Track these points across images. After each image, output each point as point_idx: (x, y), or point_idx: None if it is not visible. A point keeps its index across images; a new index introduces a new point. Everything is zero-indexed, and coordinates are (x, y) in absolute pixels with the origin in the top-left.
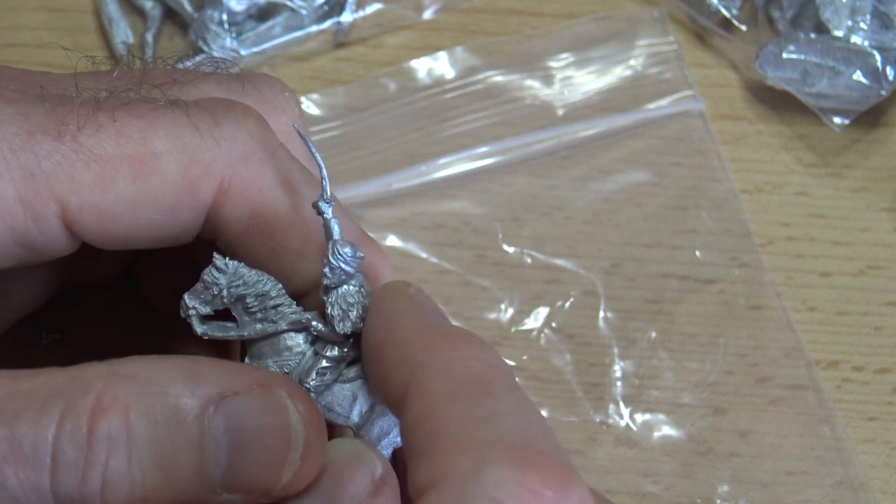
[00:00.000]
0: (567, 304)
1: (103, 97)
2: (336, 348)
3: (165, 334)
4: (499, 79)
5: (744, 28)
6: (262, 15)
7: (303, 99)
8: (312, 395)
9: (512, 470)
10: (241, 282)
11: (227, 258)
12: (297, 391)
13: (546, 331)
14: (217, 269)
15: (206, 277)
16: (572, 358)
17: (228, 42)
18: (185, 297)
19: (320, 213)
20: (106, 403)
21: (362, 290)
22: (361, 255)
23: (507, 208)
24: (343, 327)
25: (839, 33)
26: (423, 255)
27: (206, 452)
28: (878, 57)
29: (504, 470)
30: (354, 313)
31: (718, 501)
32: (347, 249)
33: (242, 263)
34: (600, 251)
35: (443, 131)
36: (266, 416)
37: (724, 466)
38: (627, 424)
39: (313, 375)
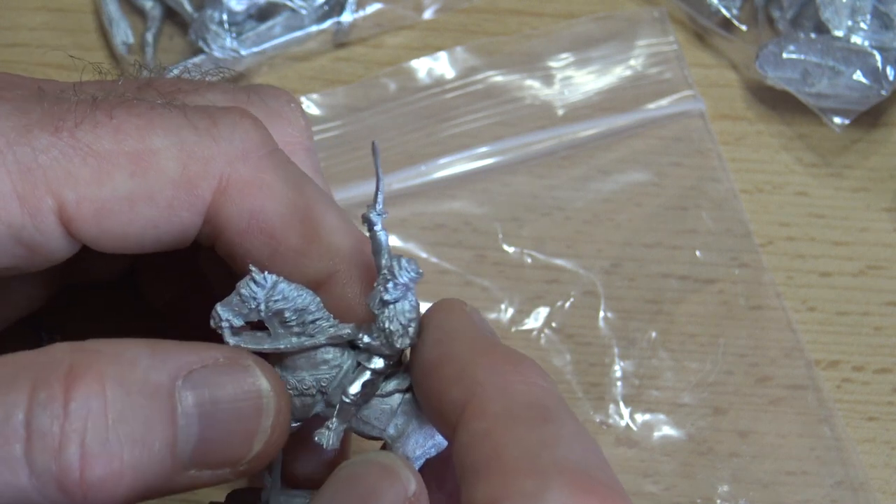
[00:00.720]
0: (567, 304)
1: (101, 97)
2: (382, 360)
3: (166, 334)
4: (499, 79)
5: (744, 28)
6: (262, 15)
7: (303, 99)
8: (353, 408)
9: (574, 497)
10: (280, 296)
11: (266, 272)
12: (264, 363)
13: (546, 331)
14: (255, 282)
15: (242, 291)
16: (572, 358)
17: (228, 42)
18: (218, 308)
19: (371, 225)
20: (80, 373)
21: (416, 304)
22: (422, 271)
23: (507, 208)
24: (402, 343)
25: (839, 33)
26: (423, 255)
27: (178, 425)
28: (878, 57)
29: (566, 496)
30: (413, 328)
31: (718, 501)
32: (413, 266)
33: (282, 278)
34: (600, 251)
35: (443, 131)
36: (236, 386)
37: (724, 466)
38: (627, 424)
39: (357, 387)
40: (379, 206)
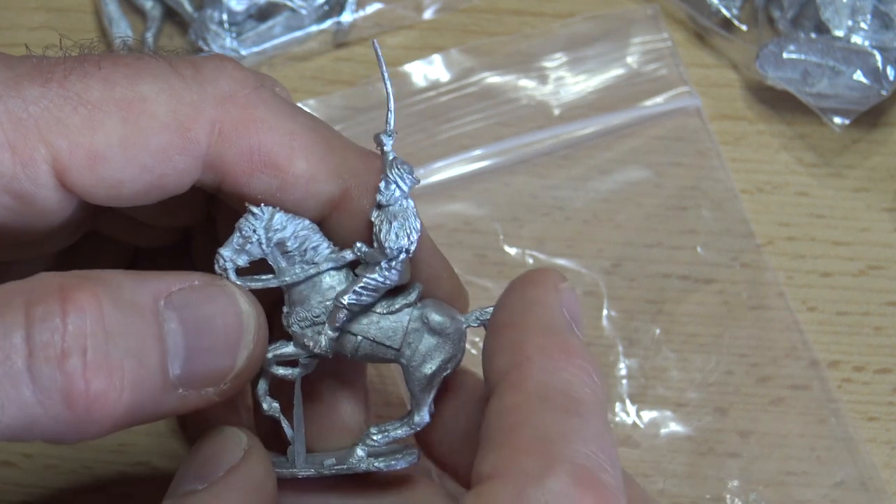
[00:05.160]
0: None
1: (86, 52)
2: (377, 270)
3: None
4: (494, 80)
5: (744, 28)
6: (262, 15)
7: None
8: (344, 315)
9: (572, 487)
10: (279, 225)
11: (262, 205)
12: (240, 286)
13: None
14: (253, 215)
15: (242, 226)
16: None
17: (228, 42)
18: (220, 250)
19: (381, 145)
20: (73, 290)
21: (413, 212)
22: (416, 177)
23: (507, 208)
24: (392, 243)
25: (839, 33)
26: None
27: (167, 343)
28: (878, 57)
29: (565, 485)
30: (405, 231)
31: (728, 496)
32: (406, 167)
33: (277, 208)
34: (601, 251)
35: (441, 133)
36: (215, 305)
37: (730, 464)
38: (634, 422)
39: (350, 294)
40: (390, 127)
